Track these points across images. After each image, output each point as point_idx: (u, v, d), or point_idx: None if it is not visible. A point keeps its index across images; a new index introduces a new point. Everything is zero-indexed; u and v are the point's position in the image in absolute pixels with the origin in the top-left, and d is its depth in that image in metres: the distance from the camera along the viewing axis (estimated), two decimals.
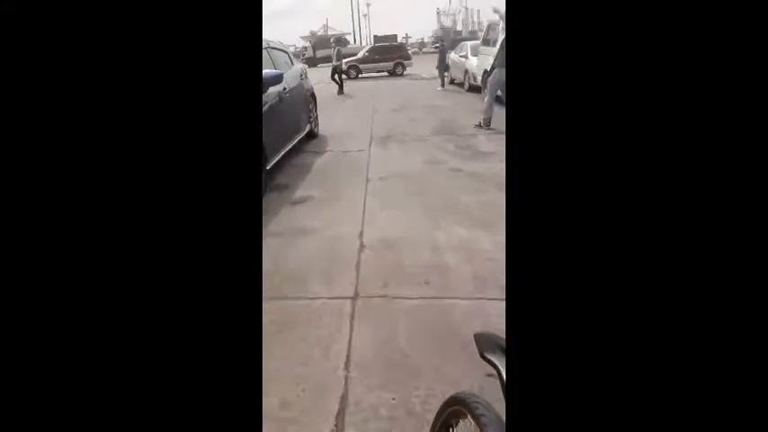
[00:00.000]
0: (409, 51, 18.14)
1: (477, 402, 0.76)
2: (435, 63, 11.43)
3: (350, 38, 69.32)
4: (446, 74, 11.18)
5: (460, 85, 11.00)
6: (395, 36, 71.51)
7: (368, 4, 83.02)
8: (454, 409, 0.85)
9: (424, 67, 16.35)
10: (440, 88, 10.71)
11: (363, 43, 68.84)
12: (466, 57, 10.26)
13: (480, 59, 8.92)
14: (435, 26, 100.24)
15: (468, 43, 10.80)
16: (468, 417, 0.77)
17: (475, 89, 9.83)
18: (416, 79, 14.19)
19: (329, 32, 71.99)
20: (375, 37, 71.59)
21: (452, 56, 11.23)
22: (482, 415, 0.72)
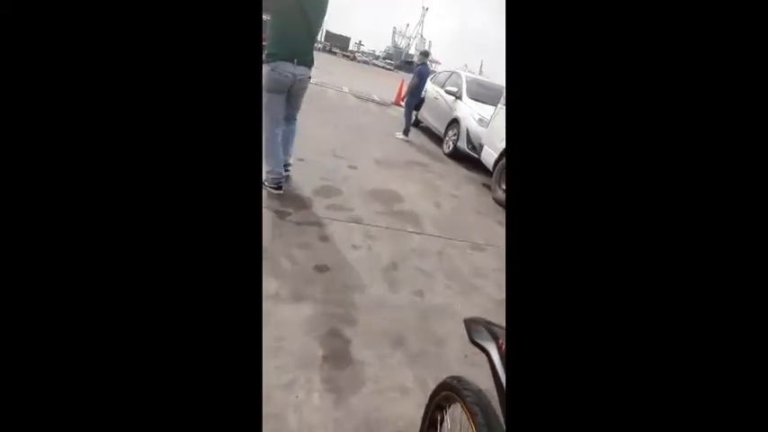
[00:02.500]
0: None
1: (467, 387, 0.77)
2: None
3: None
4: (415, 113, 6.36)
5: (435, 138, 6.25)
6: (348, 39, 67.18)
7: None
8: (445, 394, 0.85)
9: (349, 79, 11.45)
10: (401, 135, 5.82)
11: None
12: (458, 97, 5.56)
13: (499, 122, 4.24)
14: (389, 43, 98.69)
15: (465, 74, 6.11)
16: (459, 401, 0.77)
17: (471, 162, 5.14)
18: (323, 87, 9.20)
19: None
20: (326, 32, 66.38)
21: (429, 86, 6.45)
22: (471, 399, 0.74)
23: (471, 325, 0.81)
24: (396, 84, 16.92)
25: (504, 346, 0.70)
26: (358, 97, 9.53)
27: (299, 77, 2.43)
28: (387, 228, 2.61)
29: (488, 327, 0.78)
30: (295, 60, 2.36)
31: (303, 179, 2.99)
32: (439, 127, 5.97)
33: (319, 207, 2.63)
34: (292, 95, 2.54)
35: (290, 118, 2.67)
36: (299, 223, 2.33)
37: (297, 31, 2.33)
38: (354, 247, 2.24)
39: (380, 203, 3.00)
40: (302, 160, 3.35)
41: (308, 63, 2.47)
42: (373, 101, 9.66)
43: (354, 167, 3.72)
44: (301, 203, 2.61)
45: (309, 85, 2.73)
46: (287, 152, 2.77)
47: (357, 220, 2.58)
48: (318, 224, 2.40)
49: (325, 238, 2.25)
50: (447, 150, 5.45)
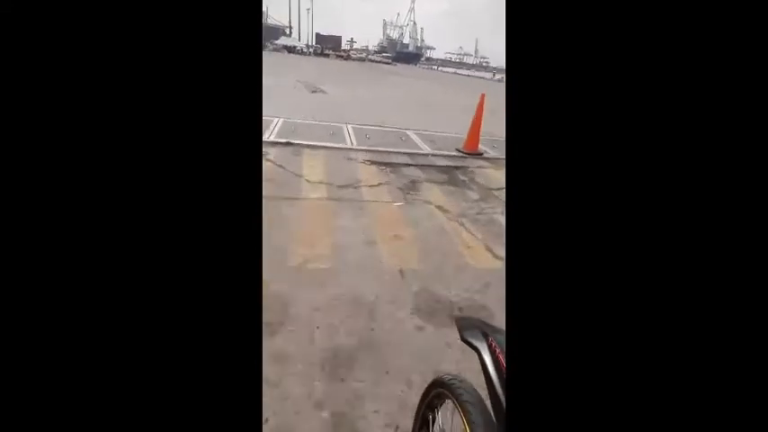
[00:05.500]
0: None
1: (459, 385, 0.75)
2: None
3: (287, 31, 57.01)
4: None
5: None
6: (339, 38, 61.18)
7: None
8: (437, 391, 0.83)
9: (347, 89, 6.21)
10: None
11: (304, 39, 57.20)
12: None
13: None
14: (381, 36, 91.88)
15: None
16: (451, 399, 0.75)
17: None
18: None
19: (269, 21, 59.31)
20: (317, 35, 60.38)
21: None
22: (463, 397, 0.72)
23: (462, 324, 0.80)
24: (432, 88, 11.18)
25: (493, 344, 0.69)
26: (385, 164, 3.78)
27: None
28: None
29: (479, 325, 0.77)
30: None
31: None
32: None
33: None
34: None
35: None
36: None
37: None
38: None
39: None
40: None
41: None
42: (425, 161, 3.91)
43: None
44: None
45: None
46: None
47: None
48: None
49: None
50: None
